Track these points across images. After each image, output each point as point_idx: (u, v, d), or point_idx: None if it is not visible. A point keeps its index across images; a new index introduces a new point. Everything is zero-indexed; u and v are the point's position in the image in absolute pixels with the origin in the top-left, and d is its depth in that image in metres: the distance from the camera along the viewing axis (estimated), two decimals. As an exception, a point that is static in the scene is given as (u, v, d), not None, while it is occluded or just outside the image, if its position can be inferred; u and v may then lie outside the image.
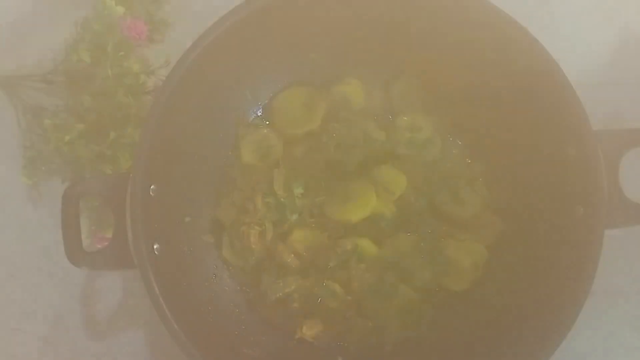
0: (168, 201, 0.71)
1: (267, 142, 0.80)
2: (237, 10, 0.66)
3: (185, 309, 0.68)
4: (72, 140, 0.78)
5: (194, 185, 0.77)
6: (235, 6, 0.66)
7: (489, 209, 0.80)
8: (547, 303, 0.66)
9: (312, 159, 0.80)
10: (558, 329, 0.61)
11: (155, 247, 0.65)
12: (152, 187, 0.65)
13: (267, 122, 0.82)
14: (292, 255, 0.77)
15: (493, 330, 0.73)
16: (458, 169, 0.82)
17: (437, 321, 0.78)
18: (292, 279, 0.77)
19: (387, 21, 0.75)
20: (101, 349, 0.81)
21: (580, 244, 0.63)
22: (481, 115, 0.80)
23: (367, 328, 0.77)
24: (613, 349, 0.77)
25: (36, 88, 0.86)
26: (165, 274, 0.67)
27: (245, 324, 0.77)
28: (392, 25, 0.75)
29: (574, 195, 0.65)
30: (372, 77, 0.83)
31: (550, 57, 0.65)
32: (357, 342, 0.78)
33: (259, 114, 0.83)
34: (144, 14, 0.86)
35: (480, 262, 0.77)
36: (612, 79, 0.89)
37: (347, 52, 0.80)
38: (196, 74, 0.67)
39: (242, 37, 0.70)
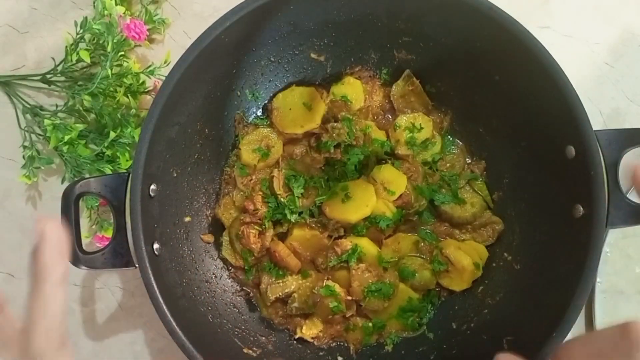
0: (168, 201, 0.71)
1: (267, 142, 0.80)
2: (237, 10, 0.66)
3: (185, 309, 0.68)
4: (71, 140, 0.78)
5: (194, 185, 0.77)
6: (235, 6, 0.66)
7: (489, 209, 0.80)
8: (547, 303, 0.66)
9: (312, 158, 0.80)
10: (558, 329, 0.61)
11: (155, 247, 0.65)
12: (152, 187, 0.65)
13: (267, 122, 0.82)
14: (292, 255, 0.77)
15: (493, 330, 0.73)
16: (458, 168, 0.82)
17: (437, 321, 0.78)
18: (292, 279, 0.77)
19: (388, 21, 0.75)
20: (101, 349, 0.81)
21: (580, 244, 0.63)
22: (481, 115, 0.80)
23: (367, 328, 0.77)
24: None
25: (36, 88, 0.86)
26: (165, 274, 0.67)
27: (245, 324, 0.77)
28: (392, 25, 0.75)
29: (574, 195, 0.65)
30: (372, 77, 0.83)
31: (550, 56, 0.65)
32: (357, 342, 0.78)
33: (259, 114, 0.83)
34: (144, 14, 0.86)
35: (480, 262, 0.77)
36: (612, 79, 0.89)
37: (347, 52, 0.80)
38: (196, 74, 0.67)
39: (242, 37, 0.70)
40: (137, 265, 0.63)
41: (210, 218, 0.80)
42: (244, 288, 0.80)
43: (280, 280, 0.77)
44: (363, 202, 0.75)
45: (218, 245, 0.79)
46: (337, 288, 0.76)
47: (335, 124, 0.78)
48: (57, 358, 0.41)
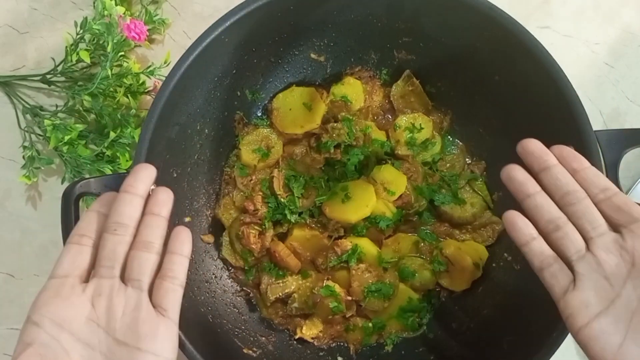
0: (168, 201, 0.71)
1: (267, 142, 0.80)
2: (237, 10, 0.66)
3: (185, 310, 0.68)
4: (71, 140, 0.78)
5: (194, 186, 0.77)
6: (235, 6, 0.66)
7: (489, 209, 0.80)
8: (546, 303, 0.66)
9: (312, 159, 0.80)
10: (558, 329, 0.61)
11: (155, 247, 0.65)
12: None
13: (267, 122, 0.82)
14: (292, 255, 0.77)
15: (493, 330, 0.73)
16: (458, 169, 0.82)
17: (437, 321, 0.78)
18: (292, 279, 0.77)
19: (388, 21, 0.75)
20: (101, 349, 0.81)
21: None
22: (481, 115, 0.80)
23: (367, 328, 0.77)
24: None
25: (36, 88, 0.86)
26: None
27: (245, 324, 0.77)
28: (393, 25, 0.75)
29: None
30: (372, 77, 0.83)
31: (550, 57, 0.65)
32: (357, 342, 0.78)
33: (259, 114, 0.83)
34: (144, 14, 0.86)
35: (481, 262, 0.77)
36: (612, 79, 0.89)
37: (347, 52, 0.80)
38: (196, 74, 0.67)
39: (242, 37, 0.70)
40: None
41: (210, 218, 0.80)
42: (244, 288, 0.80)
43: (280, 281, 0.77)
44: (363, 202, 0.75)
45: (218, 245, 0.79)
46: (337, 288, 0.76)
47: (335, 124, 0.78)
48: None
